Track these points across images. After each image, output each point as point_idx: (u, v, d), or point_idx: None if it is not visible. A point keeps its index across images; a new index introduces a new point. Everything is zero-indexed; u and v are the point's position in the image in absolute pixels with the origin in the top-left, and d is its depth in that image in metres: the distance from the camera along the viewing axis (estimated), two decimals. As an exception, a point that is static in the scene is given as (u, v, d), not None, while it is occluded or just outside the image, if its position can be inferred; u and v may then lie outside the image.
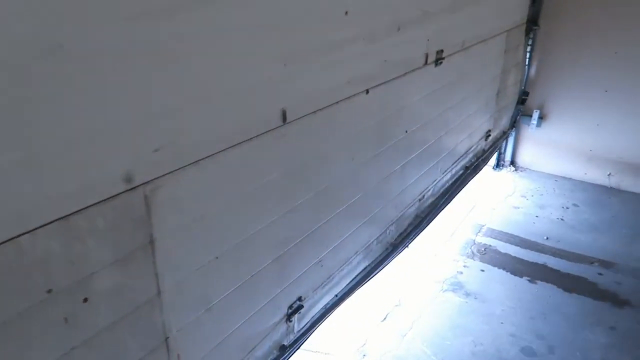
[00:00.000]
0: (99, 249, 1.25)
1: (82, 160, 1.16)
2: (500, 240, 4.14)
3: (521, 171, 5.29)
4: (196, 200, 1.54)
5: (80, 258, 1.21)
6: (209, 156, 1.51)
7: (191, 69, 1.38)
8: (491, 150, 4.60)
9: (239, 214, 1.74)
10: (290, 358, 2.31)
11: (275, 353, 2.22)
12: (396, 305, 3.43)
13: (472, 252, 3.98)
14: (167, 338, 1.55)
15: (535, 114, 5.08)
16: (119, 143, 1.23)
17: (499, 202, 4.70)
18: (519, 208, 4.61)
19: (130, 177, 1.27)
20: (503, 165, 5.34)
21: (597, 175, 5.00)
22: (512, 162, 5.36)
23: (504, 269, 3.79)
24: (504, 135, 4.94)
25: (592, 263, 3.86)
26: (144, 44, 1.23)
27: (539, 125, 5.09)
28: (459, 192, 3.96)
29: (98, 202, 1.21)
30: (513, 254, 3.96)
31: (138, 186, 1.31)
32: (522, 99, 4.95)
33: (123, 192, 1.26)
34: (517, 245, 4.07)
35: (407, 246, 3.26)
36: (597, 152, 4.93)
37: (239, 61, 1.54)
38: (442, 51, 2.96)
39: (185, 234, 1.53)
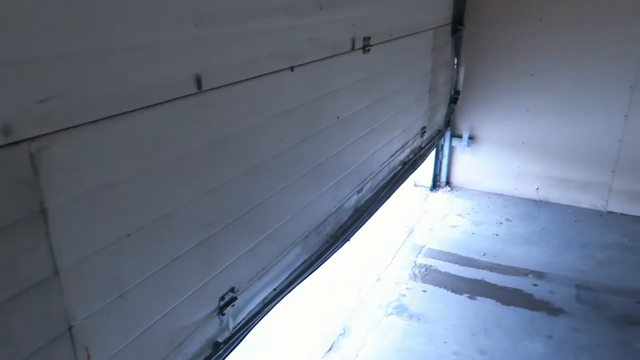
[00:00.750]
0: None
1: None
2: (440, 259, 4.21)
3: (456, 190, 5.46)
4: (99, 166, 1.38)
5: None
6: (111, 116, 1.37)
7: (78, 12, 1.25)
8: (428, 147, 4.70)
9: (154, 187, 1.59)
10: (227, 357, 2.12)
11: (209, 350, 2.03)
12: (341, 334, 3.38)
13: (414, 274, 4.02)
14: (70, 327, 1.36)
15: (465, 135, 5.30)
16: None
17: (437, 222, 4.81)
18: (456, 227, 4.73)
19: (9, 128, 1.10)
20: (439, 186, 5.50)
21: (526, 190, 5.24)
22: (448, 182, 5.54)
23: (445, 287, 3.85)
24: (440, 133, 5.08)
25: (526, 275, 3.98)
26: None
27: (469, 145, 5.31)
28: (397, 187, 3.97)
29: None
30: (453, 272, 4.03)
31: (21, 141, 1.14)
32: (454, 97, 5.14)
33: (1, 146, 1.10)
34: (456, 263, 4.15)
35: (348, 239, 3.18)
36: (525, 168, 5.18)
37: (139, 12, 1.42)
38: (369, 38, 2.99)
39: (87, 205, 1.36)
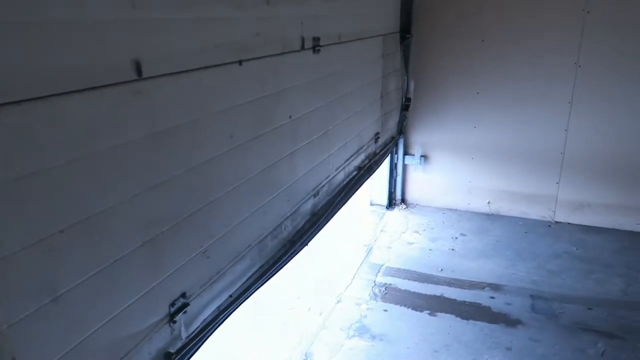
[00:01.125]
0: None
1: None
2: (399, 277, 4.22)
3: (412, 208, 5.53)
4: (24, 153, 1.26)
5: None
6: (39, 98, 1.26)
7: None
8: (382, 153, 4.73)
9: (89, 179, 1.47)
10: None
11: None
12: (303, 360, 3.30)
13: (374, 293, 4.00)
14: None
15: (418, 154, 5.40)
16: None
17: (394, 240, 4.84)
18: (413, 244, 4.77)
19: None
20: (395, 204, 5.55)
21: (478, 204, 5.37)
22: (403, 200, 5.61)
23: (405, 305, 3.84)
24: (393, 140, 5.13)
25: (483, 288, 4.05)
26: None
27: (422, 163, 5.42)
28: (354, 193, 3.97)
29: None
30: (412, 290, 4.04)
31: None
32: (406, 105, 5.21)
33: None
34: (415, 280, 4.16)
35: (305, 244, 3.11)
36: (476, 183, 5.33)
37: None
38: (318, 39, 3.00)
39: (12, 195, 1.23)
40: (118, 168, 1.58)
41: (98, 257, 1.54)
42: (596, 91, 4.71)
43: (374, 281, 4.16)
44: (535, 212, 5.23)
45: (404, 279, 4.19)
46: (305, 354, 3.35)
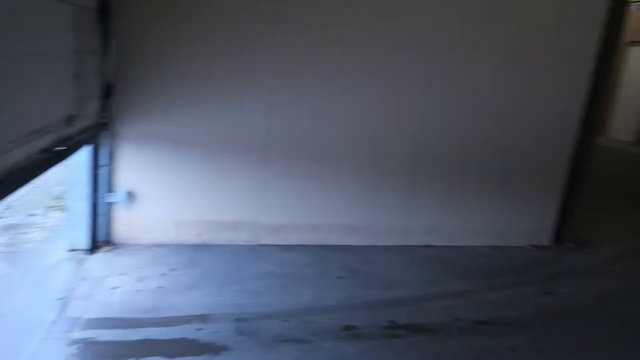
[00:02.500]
0: None
1: None
2: (101, 328, 3.85)
3: (118, 248, 5.18)
4: None
5: None
6: None
7: None
8: (80, 140, 4.30)
9: None
10: None
11: None
12: None
13: (71, 354, 3.54)
14: None
15: (123, 191, 5.13)
16: None
17: (95, 287, 4.41)
18: (118, 287, 4.45)
19: None
20: (99, 247, 5.11)
21: (188, 237, 5.42)
22: (108, 242, 5.21)
23: (106, 359, 3.52)
24: (94, 130, 4.73)
25: (190, 321, 4.05)
26: None
27: (127, 200, 5.16)
28: (36, 177, 3.44)
29: None
30: (115, 339, 3.73)
31: None
32: (108, 92, 4.87)
33: None
34: (119, 328, 3.87)
35: None
36: (184, 216, 5.37)
37: None
38: None
39: None
40: None
41: None
42: (285, 112, 5.36)
43: (71, 339, 3.69)
44: (242, 238, 5.58)
45: (105, 329, 3.84)
46: None
